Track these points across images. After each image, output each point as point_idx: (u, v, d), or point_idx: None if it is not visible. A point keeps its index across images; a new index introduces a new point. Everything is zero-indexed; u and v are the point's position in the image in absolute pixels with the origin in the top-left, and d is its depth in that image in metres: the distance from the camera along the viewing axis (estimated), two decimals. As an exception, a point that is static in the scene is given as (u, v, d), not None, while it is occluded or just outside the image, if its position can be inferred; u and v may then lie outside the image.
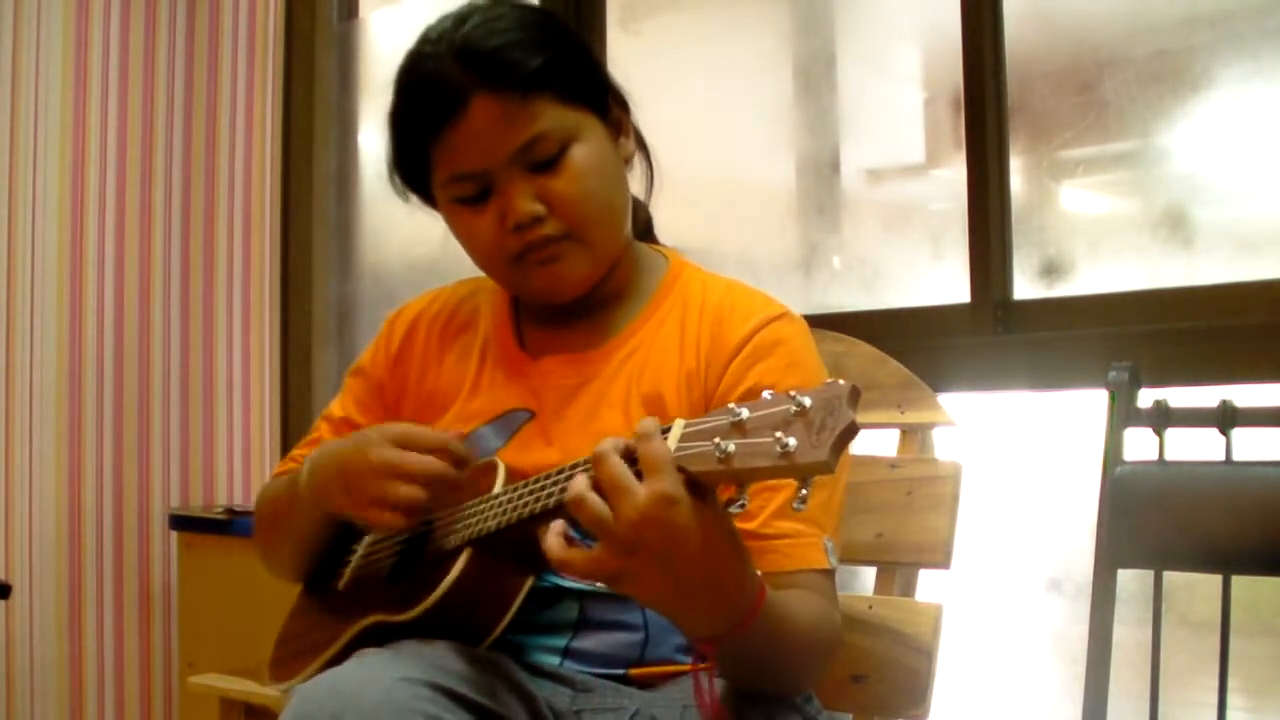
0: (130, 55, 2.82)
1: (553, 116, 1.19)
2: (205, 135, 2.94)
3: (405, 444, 1.15)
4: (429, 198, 1.28)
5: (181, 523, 2.73)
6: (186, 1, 2.91)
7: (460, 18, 1.21)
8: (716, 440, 0.86)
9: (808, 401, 0.83)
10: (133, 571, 2.78)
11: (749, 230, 2.29)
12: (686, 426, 0.90)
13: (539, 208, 1.19)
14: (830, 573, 1.16)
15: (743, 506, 0.89)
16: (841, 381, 0.84)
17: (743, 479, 0.87)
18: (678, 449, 0.89)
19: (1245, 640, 1.51)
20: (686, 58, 2.38)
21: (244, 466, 2.97)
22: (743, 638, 0.96)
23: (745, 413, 0.86)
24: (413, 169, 1.26)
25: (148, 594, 2.80)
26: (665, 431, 0.91)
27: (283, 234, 3.02)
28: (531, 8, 1.26)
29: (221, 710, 2.42)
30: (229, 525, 2.59)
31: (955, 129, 1.99)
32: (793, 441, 0.82)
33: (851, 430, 0.82)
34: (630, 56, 2.45)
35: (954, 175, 1.97)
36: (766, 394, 0.87)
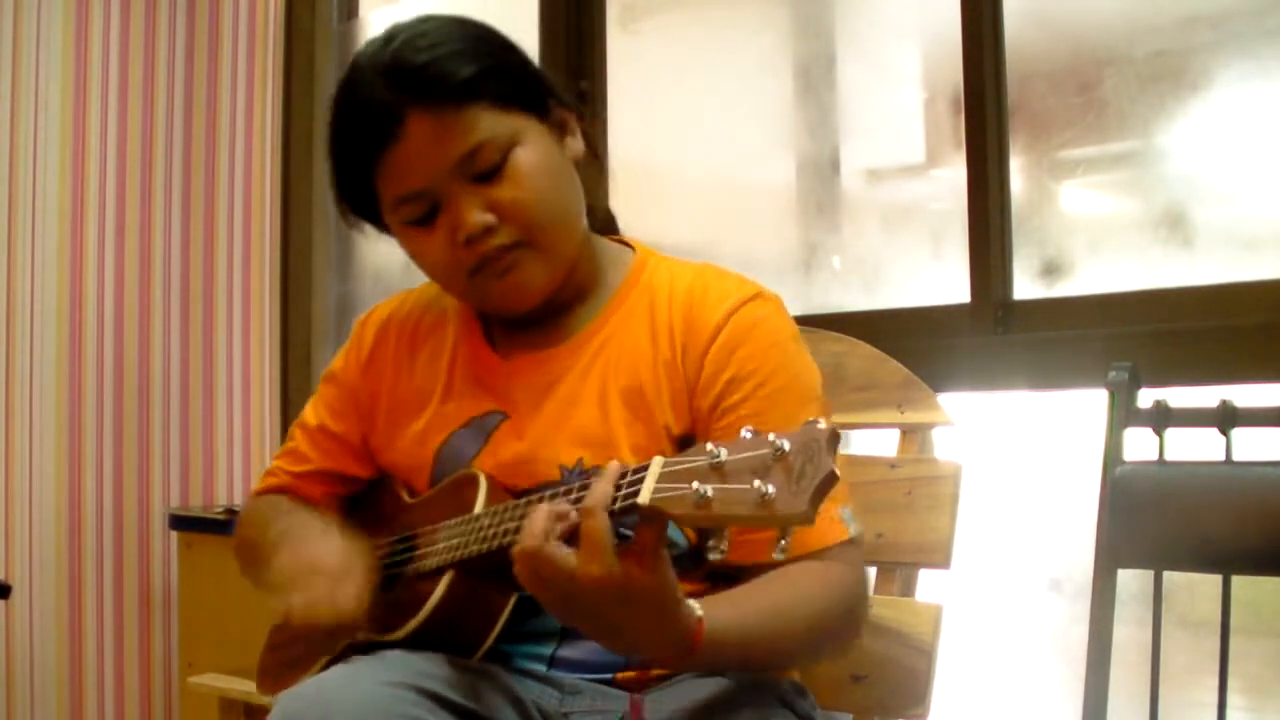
0: (130, 55, 2.82)
1: (490, 124, 1.17)
2: (205, 135, 2.94)
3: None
4: (379, 224, 1.26)
5: (181, 523, 2.73)
6: (186, 1, 2.91)
7: (387, 38, 1.19)
8: (695, 484, 0.85)
9: (786, 445, 0.83)
10: (133, 571, 2.78)
11: (749, 230, 2.28)
12: (664, 466, 0.90)
13: (489, 218, 1.17)
14: (853, 541, 1.16)
15: (723, 553, 0.88)
16: (821, 423, 0.83)
17: (721, 524, 0.87)
18: (656, 489, 0.89)
19: (1245, 640, 1.50)
20: (686, 58, 2.37)
21: (244, 466, 2.97)
22: (694, 662, 1.00)
23: (724, 453, 0.85)
24: (359, 196, 1.24)
25: (148, 594, 2.80)
26: (643, 470, 0.91)
27: (283, 234, 3.02)
28: (458, 19, 1.23)
29: (221, 710, 2.42)
30: (229, 525, 2.59)
31: (955, 129, 1.99)
32: (772, 489, 0.82)
33: (831, 479, 0.82)
34: (630, 56, 2.44)
35: (954, 175, 1.96)
36: (745, 432, 0.87)
